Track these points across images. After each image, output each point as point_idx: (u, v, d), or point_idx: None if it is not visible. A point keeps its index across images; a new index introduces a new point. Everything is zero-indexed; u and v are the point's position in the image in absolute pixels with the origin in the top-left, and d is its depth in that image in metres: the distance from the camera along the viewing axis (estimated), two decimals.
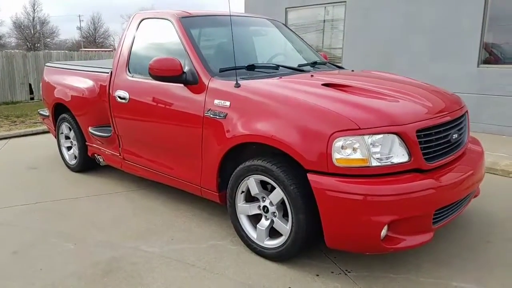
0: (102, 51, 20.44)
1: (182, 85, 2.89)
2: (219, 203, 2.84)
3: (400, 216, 2.05)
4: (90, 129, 3.92)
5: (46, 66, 4.92)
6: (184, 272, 2.40)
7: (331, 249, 2.44)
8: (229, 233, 2.85)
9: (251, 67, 2.92)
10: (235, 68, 2.74)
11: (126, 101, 3.34)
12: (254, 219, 2.63)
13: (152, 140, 3.22)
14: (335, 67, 3.54)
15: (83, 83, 3.96)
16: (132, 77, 3.36)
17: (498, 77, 6.16)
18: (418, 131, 2.19)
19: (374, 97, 2.37)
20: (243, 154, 2.67)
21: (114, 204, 3.47)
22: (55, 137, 4.74)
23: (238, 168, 2.55)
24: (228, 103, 2.58)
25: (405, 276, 2.32)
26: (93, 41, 50.77)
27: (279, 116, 2.31)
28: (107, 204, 3.46)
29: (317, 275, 2.33)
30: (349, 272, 2.37)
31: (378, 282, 2.26)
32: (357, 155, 2.09)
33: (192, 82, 2.83)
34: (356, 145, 2.09)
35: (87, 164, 4.32)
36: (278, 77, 2.82)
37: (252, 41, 3.61)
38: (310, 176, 2.16)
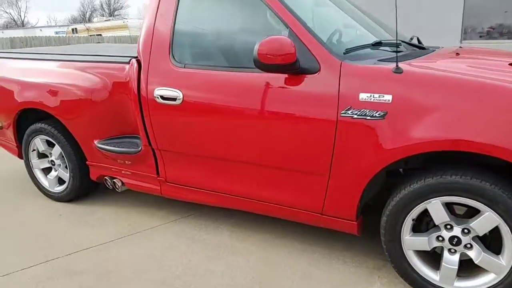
0: None
1: (286, 75, 2.05)
2: (354, 234, 2.10)
3: None
4: (98, 144, 2.79)
5: None
6: None
7: None
8: (369, 273, 2.14)
9: (376, 45, 2.18)
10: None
11: (178, 102, 2.34)
12: (423, 254, 1.96)
13: (229, 155, 2.30)
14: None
15: (81, 79, 2.77)
16: (184, 67, 2.36)
17: None
18: None
19: None
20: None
21: (167, 246, 2.47)
22: (19, 156, 3.41)
23: (411, 189, 1.83)
24: (389, 97, 1.82)
25: None
26: None
27: (498, 115, 1.64)
28: (159, 248, 2.45)
29: None
30: None
31: None
32: None
33: (308, 71, 2.00)
34: None
35: (83, 190, 3.15)
36: (424, 57, 2.14)
37: (322, 11, 2.82)
38: None
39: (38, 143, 3.16)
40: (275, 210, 2.30)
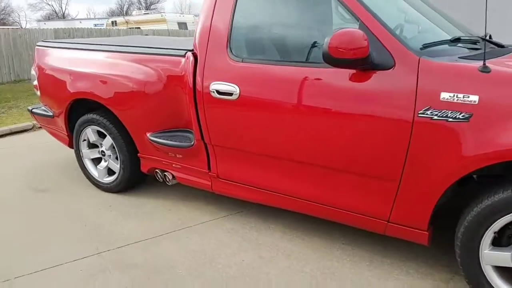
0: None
1: (354, 70, 1.92)
2: (423, 245, 1.96)
3: None
4: (150, 136, 2.76)
5: (40, 46, 3.55)
6: None
7: None
8: (436, 286, 1.99)
9: (455, 41, 2.02)
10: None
11: (234, 97, 2.26)
12: (502, 270, 1.79)
13: (287, 154, 2.20)
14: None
15: (136, 72, 2.74)
16: (242, 61, 2.27)
17: None
18: None
19: None
20: None
21: (218, 243, 2.40)
22: (69, 146, 3.45)
23: (496, 199, 1.67)
24: (475, 98, 1.66)
25: None
26: None
27: None
28: (210, 245, 2.39)
29: None
30: None
31: None
32: None
33: (381, 66, 1.87)
34: None
35: (132, 182, 3.15)
36: (509, 56, 1.96)
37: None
38: None
39: (89, 133, 3.18)
40: (335, 214, 2.18)
